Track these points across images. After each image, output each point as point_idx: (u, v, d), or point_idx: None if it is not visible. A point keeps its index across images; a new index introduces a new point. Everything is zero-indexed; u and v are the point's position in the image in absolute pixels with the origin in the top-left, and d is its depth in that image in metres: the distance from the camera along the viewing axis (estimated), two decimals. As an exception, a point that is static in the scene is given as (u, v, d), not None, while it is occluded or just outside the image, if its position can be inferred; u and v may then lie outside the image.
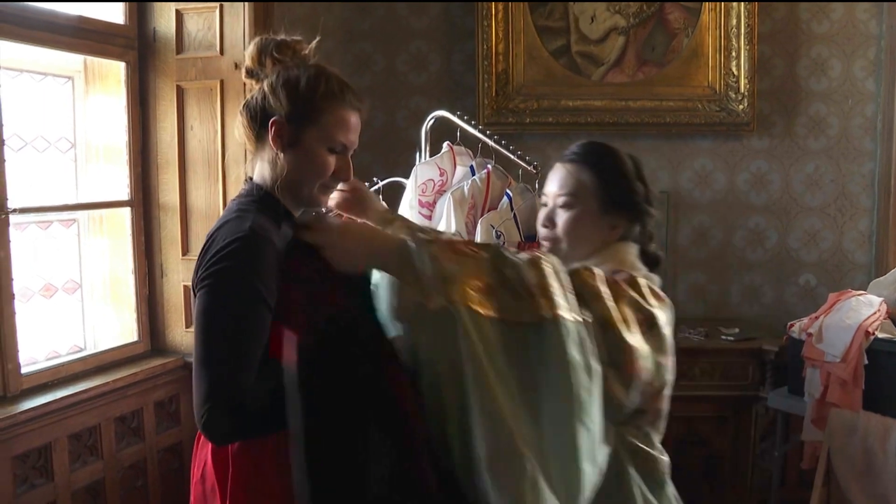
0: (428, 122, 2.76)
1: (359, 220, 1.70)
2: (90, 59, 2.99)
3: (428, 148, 2.75)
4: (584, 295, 1.45)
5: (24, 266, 2.72)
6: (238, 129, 1.61)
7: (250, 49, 1.59)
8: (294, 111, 1.52)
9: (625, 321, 1.46)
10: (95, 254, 3.09)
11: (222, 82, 3.00)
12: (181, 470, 3.12)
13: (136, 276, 3.12)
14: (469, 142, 2.70)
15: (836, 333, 2.96)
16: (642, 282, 1.59)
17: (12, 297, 2.55)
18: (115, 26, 2.99)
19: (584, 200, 1.64)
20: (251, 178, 1.61)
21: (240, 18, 2.97)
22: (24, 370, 2.61)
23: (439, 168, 2.54)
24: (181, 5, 3.02)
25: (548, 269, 1.41)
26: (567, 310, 1.38)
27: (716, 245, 4.02)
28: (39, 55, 2.80)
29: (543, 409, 1.36)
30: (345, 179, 1.59)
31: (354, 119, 1.57)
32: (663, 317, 1.56)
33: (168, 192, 3.12)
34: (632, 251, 1.68)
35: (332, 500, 1.34)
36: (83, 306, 3.06)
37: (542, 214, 1.72)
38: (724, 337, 3.57)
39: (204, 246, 1.50)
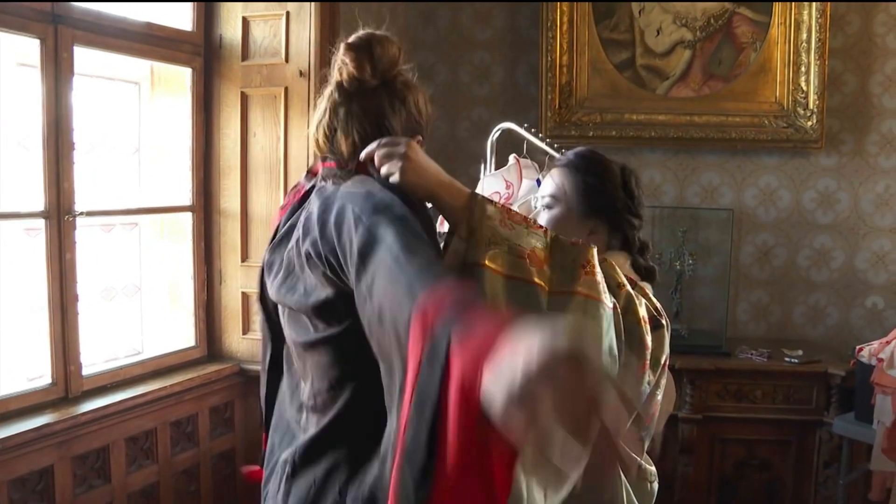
0: (494, 134, 2.73)
1: None
2: (156, 64, 3.03)
3: (493, 160, 2.72)
4: (610, 284, 1.45)
5: (87, 268, 2.75)
6: (351, 137, 1.42)
7: (391, 51, 1.42)
8: (426, 130, 1.50)
9: (643, 318, 1.47)
10: (156, 258, 3.12)
11: (286, 89, 3.01)
12: (233, 476, 3.13)
13: (195, 281, 3.13)
14: (533, 155, 2.66)
15: (910, 360, 2.86)
16: (648, 286, 1.63)
17: (76, 298, 2.58)
18: (183, 33, 3.02)
19: (563, 203, 1.67)
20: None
21: (306, 26, 2.97)
22: (84, 372, 2.64)
23: (506, 181, 2.50)
24: (248, 13, 3.04)
25: (596, 254, 1.42)
26: (607, 295, 1.39)
27: (779, 264, 3.91)
28: (109, 60, 2.83)
29: None
30: None
31: None
32: (665, 323, 1.57)
33: (229, 198, 3.14)
34: (624, 262, 1.66)
35: None
36: (142, 310, 3.09)
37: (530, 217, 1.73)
38: (787, 359, 3.47)
39: (315, 221, 1.32)
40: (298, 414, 1.45)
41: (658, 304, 1.56)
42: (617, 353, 1.39)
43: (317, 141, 1.46)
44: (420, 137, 1.46)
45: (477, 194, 1.39)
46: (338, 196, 1.33)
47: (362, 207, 1.25)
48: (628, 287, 1.47)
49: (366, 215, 1.23)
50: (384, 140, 1.38)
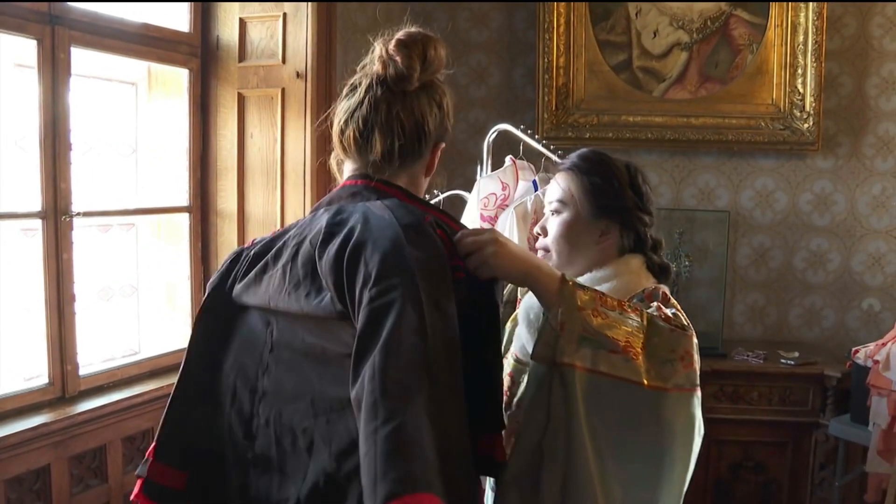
0: (490, 136, 2.73)
1: None
2: (153, 65, 3.03)
3: (489, 161, 2.72)
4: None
5: (83, 268, 2.75)
6: (389, 138, 1.35)
7: (441, 54, 1.38)
8: (447, 133, 1.45)
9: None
10: (153, 258, 3.12)
11: (283, 91, 3.01)
12: (230, 476, 3.12)
13: (192, 281, 3.13)
14: (530, 156, 2.67)
15: (906, 362, 2.87)
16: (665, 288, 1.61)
17: (73, 299, 2.58)
18: (180, 34, 3.02)
19: (572, 206, 1.63)
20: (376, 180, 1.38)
21: (303, 27, 2.97)
22: (81, 372, 2.64)
23: (502, 182, 2.51)
24: (245, 14, 3.04)
25: (693, 337, 1.37)
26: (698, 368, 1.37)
27: (776, 266, 3.92)
28: (106, 61, 2.83)
29: (636, 472, 1.34)
30: None
31: None
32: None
33: (226, 198, 3.14)
34: (640, 265, 1.65)
35: None
36: (139, 310, 3.09)
37: (538, 224, 1.72)
38: (783, 361, 3.48)
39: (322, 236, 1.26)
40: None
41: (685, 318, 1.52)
42: (699, 438, 1.38)
43: (345, 134, 1.37)
44: (443, 145, 1.43)
45: (568, 281, 1.35)
46: (357, 213, 1.27)
47: (383, 260, 1.17)
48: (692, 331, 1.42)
49: (384, 277, 1.15)
50: (466, 232, 1.35)
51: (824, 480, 3.45)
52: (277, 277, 1.31)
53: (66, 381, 2.56)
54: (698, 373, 1.36)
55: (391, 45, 1.34)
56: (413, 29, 1.37)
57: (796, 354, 3.52)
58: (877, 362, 2.98)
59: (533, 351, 1.34)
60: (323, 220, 1.29)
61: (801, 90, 3.70)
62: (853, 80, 3.78)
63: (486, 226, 2.41)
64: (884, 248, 3.83)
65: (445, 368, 1.15)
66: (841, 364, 3.39)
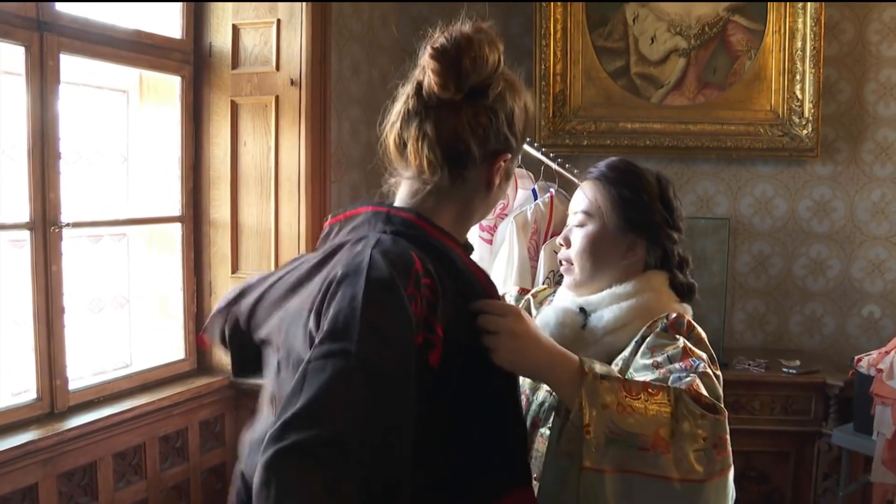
0: (488, 143, 2.68)
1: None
2: (145, 73, 2.98)
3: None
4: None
5: (74, 280, 2.69)
6: (419, 159, 1.24)
7: (489, 60, 1.22)
8: (520, 144, 1.31)
9: None
10: (144, 269, 3.06)
11: (277, 98, 2.96)
12: (223, 491, 3.06)
13: (184, 293, 3.08)
14: (528, 164, 2.62)
15: (910, 370, 2.84)
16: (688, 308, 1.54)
17: (62, 311, 2.52)
18: (172, 41, 2.97)
19: (598, 218, 1.54)
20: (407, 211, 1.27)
21: (297, 34, 2.93)
22: (70, 386, 2.58)
23: (500, 190, 2.46)
24: (238, 20, 2.99)
25: (725, 419, 1.27)
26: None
27: (775, 273, 3.89)
28: (96, 68, 2.78)
29: None
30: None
31: None
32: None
33: (219, 208, 3.09)
34: (663, 282, 1.57)
35: None
36: (130, 322, 3.03)
37: (562, 234, 1.63)
38: (785, 370, 3.45)
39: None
40: None
41: (712, 352, 1.43)
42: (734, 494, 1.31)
43: (388, 144, 1.28)
44: (508, 155, 1.28)
45: (588, 373, 1.23)
46: (364, 258, 1.14)
47: (343, 316, 1.07)
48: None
49: (333, 335, 1.06)
50: (486, 305, 1.22)
51: (827, 490, 3.41)
52: None
53: (54, 396, 2.50)
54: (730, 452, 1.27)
55: (427, 52, 1.21)
56: (461, 28, 1.22)
57: (797, 363, 3.48)
58: (880, 371, 2.95)
59: (555, 448, 1.25)
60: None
61: (800, 96, 3.68)
62: (851, 86, 3.75)
63: (486, 235, 2.36)
64: (883, 255, 3.80)
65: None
66: (843, 372, 3.36)
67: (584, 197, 1.57)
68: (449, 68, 1.19)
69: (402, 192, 1.30)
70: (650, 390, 1.24)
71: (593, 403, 1.20)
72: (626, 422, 1.20)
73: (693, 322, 1.47)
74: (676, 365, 1.33)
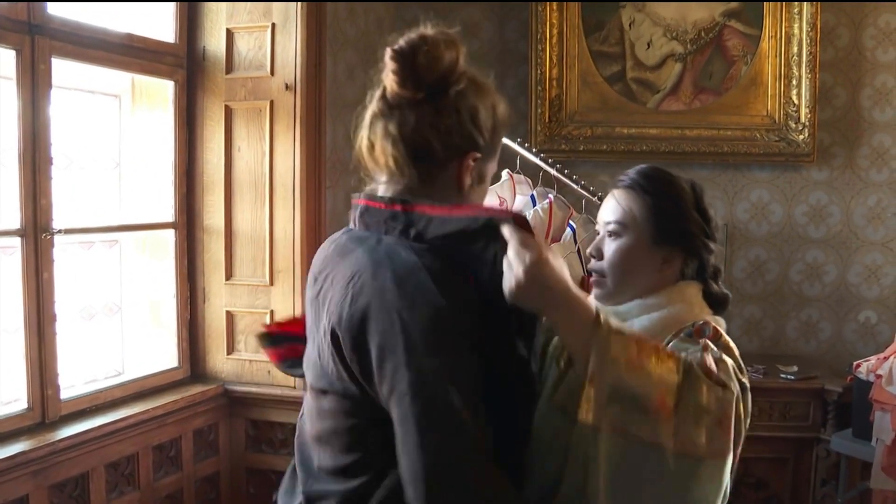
0: (486, 148, 2.66)
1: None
2: (138, 77, 2.95)
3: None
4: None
5: (65, 287, 2.65)
6: (384, 159, 1.27)
7: (445, 59, 1.25)
8: (489, 144, 1.31)
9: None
10: (137, 276, 3.03)
11: (272, 103, 2.94)
12: (218, 500, 3.04)
13: (178, 299, 3.04)
14: (526, 170, 2.60)
15: (910, 376, 2.82)
16: (721, 321, 1.46)
17: (54, 319, 2.48)
18: (165, 45, 2.94)
19: (632, 230, 1.46)
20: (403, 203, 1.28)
21: (292, 38, 2.90)
22: (62, 395, 2.54)
23: (499, 197, 2.44)
24: (232, 24, 2.96)
25: (734, 396, 1.24)
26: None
27: (772, 279, 3.88)
28: (89, 72, 2.75)
29: None
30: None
31: None
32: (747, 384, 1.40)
33: (213, 214, 3.05)
34: (697, 292, 1.50)
35: None
36: (123, 330, 2.99)
37: (592, 244, 1.56)
38: (783, 375, 3.43)
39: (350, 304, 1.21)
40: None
41: (741, 362, 1.38)
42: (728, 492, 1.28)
43: (360, 149, 1.31)
44: (477, 155, 1.28)
45: (602, 326, 1.19)
46: (380, 278, 1.19)
47: (411, 338, 1.13)
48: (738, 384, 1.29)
49: (412, 353, 1.12)
50: (517, 238, 1.18)
51: (826, 497, 3.40)
52: None
53: (46, 406, 2.46)
54: (743, 434, 1.25)
55: (388, 55, 1.23)
56: (420, 31, 1.25)
57: (795, 368, 3.47)
58: (879, 377, 2.93)
59: (551, 392, 1.23)
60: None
61: (796, 101, 3.67)
62: (847, 91, 3.75)
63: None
64: (880, 260, 3.80)
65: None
66: (840, 377, 3.35)
67: (616, 205, 1.50)
68: (406, 67, 1.22)
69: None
70: (662, 355, 1.21)
71: (603, 355, 1.17)
72: (634, 380, 1.17)
73: (721, 330, 1.42)
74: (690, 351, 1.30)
